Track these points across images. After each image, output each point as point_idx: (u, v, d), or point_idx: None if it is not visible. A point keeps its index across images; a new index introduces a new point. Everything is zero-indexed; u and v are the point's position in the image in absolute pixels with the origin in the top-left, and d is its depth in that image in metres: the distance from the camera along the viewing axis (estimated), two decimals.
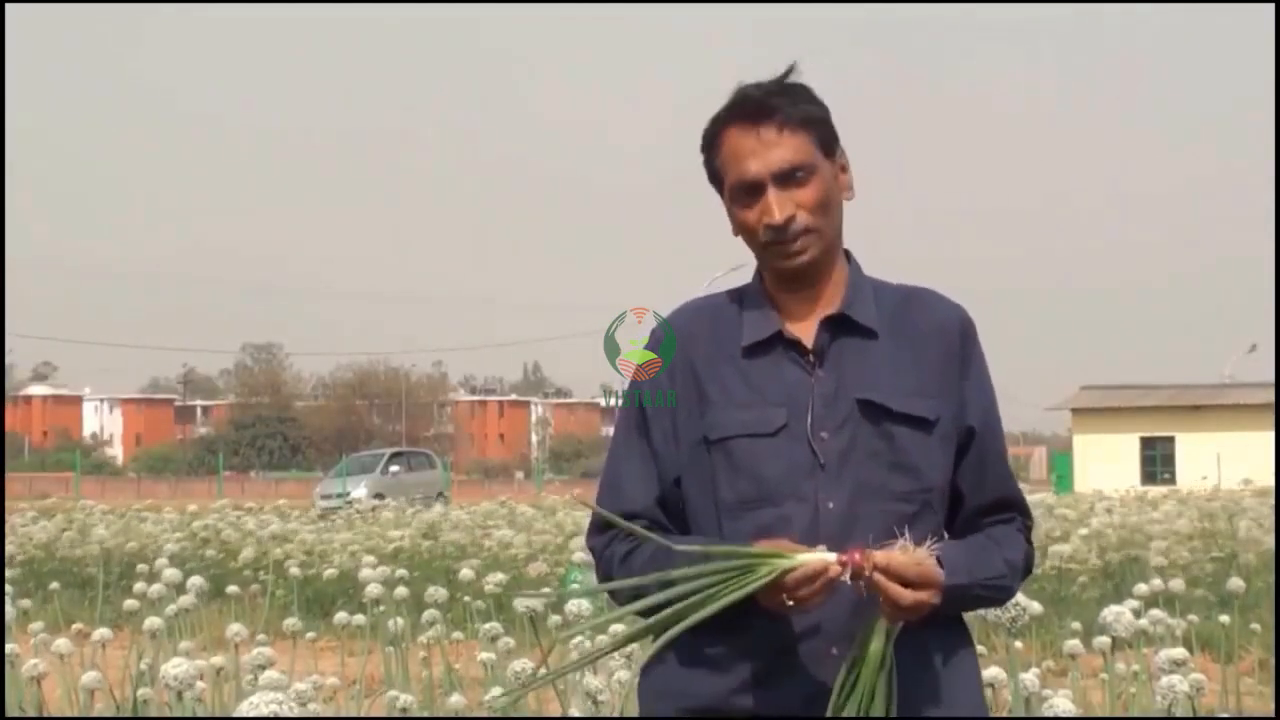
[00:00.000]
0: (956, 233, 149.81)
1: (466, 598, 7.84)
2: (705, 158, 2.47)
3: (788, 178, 2.38)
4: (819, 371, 2.40)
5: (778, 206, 2.38)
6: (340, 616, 6.95)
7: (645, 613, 2.27)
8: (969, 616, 2.56)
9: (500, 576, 7.18)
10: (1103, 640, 4.82)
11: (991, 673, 4.09)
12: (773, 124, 2.39)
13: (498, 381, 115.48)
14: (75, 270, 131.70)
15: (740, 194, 2.42)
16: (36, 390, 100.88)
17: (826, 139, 2.43)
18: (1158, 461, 47.45)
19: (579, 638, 5.18)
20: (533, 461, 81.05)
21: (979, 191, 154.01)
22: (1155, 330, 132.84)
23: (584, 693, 4.08)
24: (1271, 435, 33.86)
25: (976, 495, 2.45)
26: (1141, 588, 6.44)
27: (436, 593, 6.53)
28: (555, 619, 5.92)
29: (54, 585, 10.19)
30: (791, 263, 2.41)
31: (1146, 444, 47.81)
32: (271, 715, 2.68)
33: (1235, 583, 7.37)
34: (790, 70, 2.45)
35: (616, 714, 4.21)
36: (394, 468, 39.38)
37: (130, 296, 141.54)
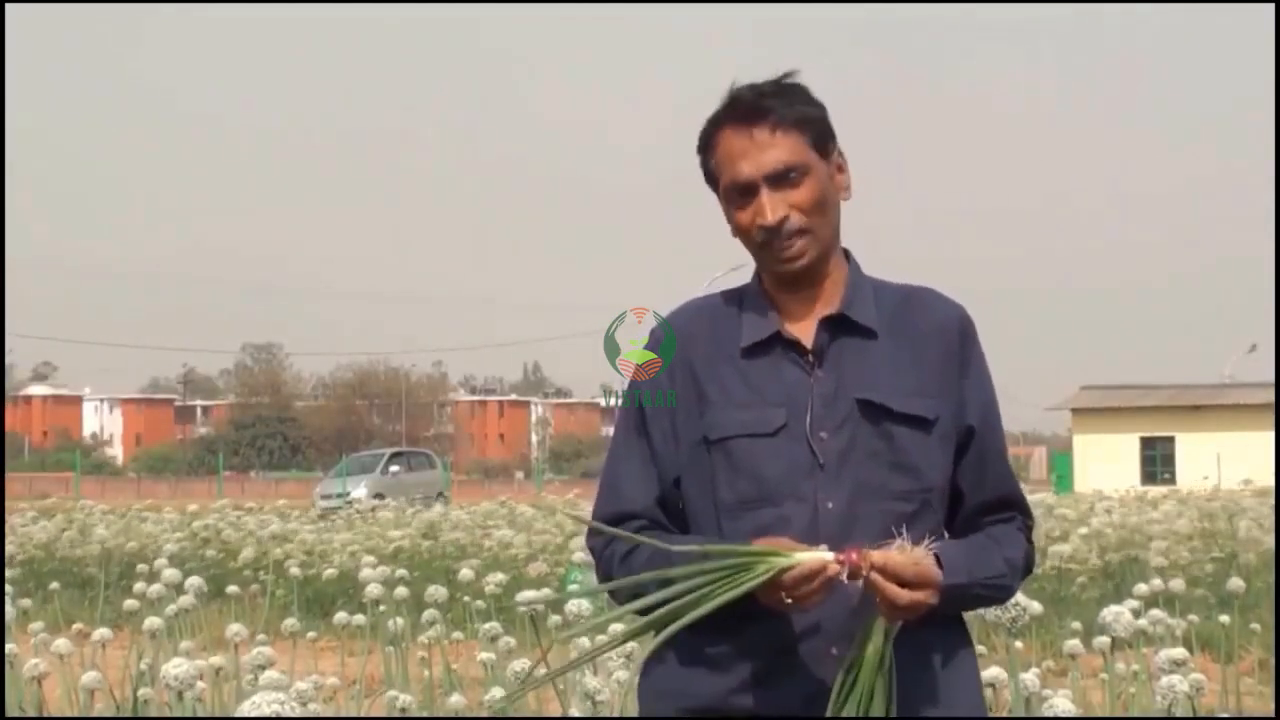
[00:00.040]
0: (956, 233, 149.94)
1: (466, 598, 7.83)
2: (701, 159, 2.47)
3: (781, 179, 2.38)
4: (818, 371, 2.40)
5: (770, 208, 2.38)
6: (340, 616, 6.95)
7: (644, 612, 2.27)
8: (969, 616, 2.56)
9: (500, 576, 7.18)
10: (1103, 640, 4.82)
11: (991, 673, 4.10)
12: (765, 125, 2.39)
13: (498, 381, 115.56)
14: (75, 270, 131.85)
15: (734, 195, 2.42)
16: (36, 390, 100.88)
17: (821, 139, 2.42)
18: (1158, 461, 47.45)
19: (579, 638, 5.19)
20: (533, 461, 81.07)
21: (979, 191, 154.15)
22: (1155, 330, 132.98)
23: (582, 693, 4.08)
24: (1271, 435, 33.86)
25: (976, 494, 2.45)
26: (1141, 588, 6.44)
27: (436, 593, 6.52)
28: (555, 619, 5.92)
29: (54, 585, 10.18)
30: (788, 267, 2.41)
31: (1146, 444, 47.82)
32: (272, 715, 2.68)
33: (1235, 583, 7.36)
34: (789, 74, 2.45)
35: (616, 714, 4.21)
36: (394, 468, 39.38)
37: (130, 296, 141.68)
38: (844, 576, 2.20)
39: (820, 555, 2.21)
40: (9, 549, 14.91)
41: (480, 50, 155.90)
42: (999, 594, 2.43)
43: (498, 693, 4.63)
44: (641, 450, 2.47)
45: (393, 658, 6.43)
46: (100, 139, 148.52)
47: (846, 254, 2.51)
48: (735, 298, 2.50)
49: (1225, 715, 6.08)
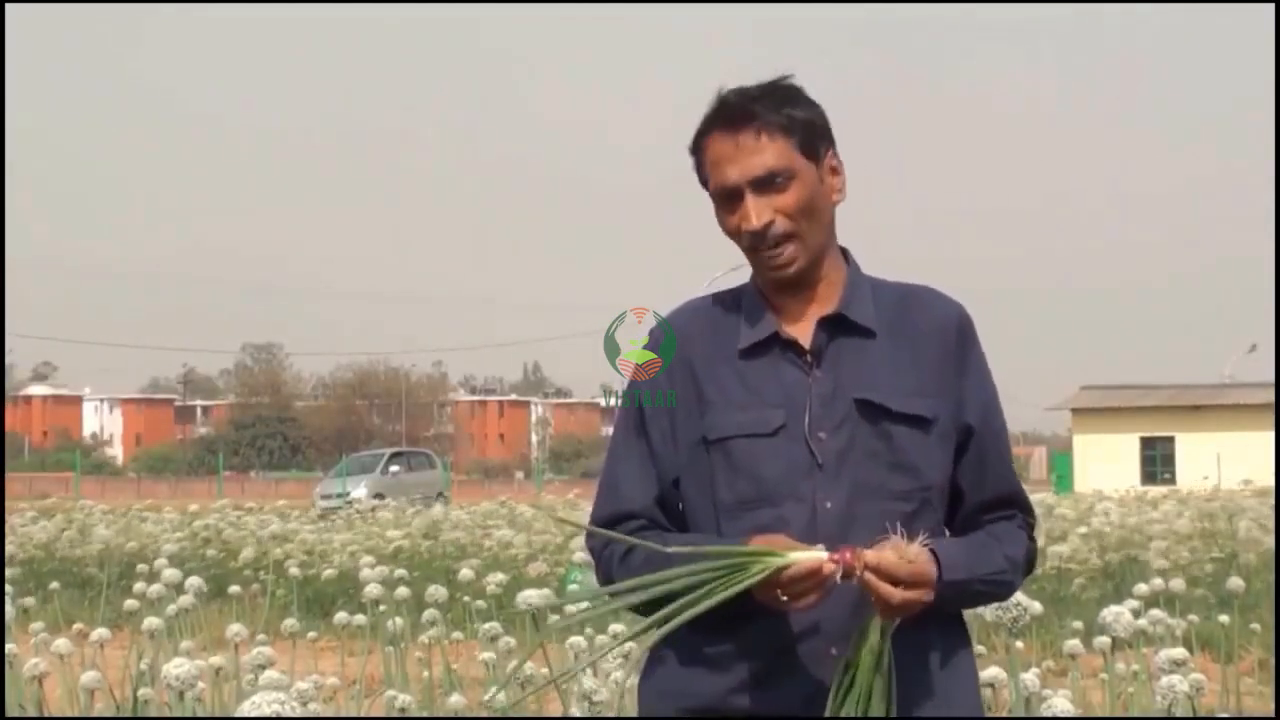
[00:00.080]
0: (956, 233, 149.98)
1: (466, 598, 7.83)
2: (694, 162, 2.47)
3: (766, 184, 2.38)
4: (816, 372, 2.40)
5: (755, 213, 2.38)
6: (340, 616, 6.95)
7: (643, 611, 2.27)
8: (969, 616, 2.56)
9: (500, 576, 7.19)
10: (1103, 640, 4.82)
11: (991, 673, 4.09)
12: (750, 130, 2.38)
13: (498, 381, 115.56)
14: (75, 270, 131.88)
15: (722, 200, 2.42)
16: (36, 390, 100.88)
17: (810, 142, 2.41)
18: (1158, 461, 47.45)
19: (574, 636, 5.19)
20: (533, 461, 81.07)
21: (979, 191, 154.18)
22: (1155, 330, 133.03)
23: (580, 693, 4.07)
24: (1271, 435, 33.87)
25: (976, 493, 2.45)
26: (1141, 588, 6.44)
27: (436, 593, 6.52)
28: (555, 619, 5.91)
29: (54, 585, 10.18)
30: (778, 273, 2.41)
31: (1146, 444, 47.82)
32: (272, 715, 2.68)
33: (1235, 583, 7.36)
34: (782, 76, 2.45)
35: (614, 714, 4.21)
36: (394, 468, 39.38)
37: (130, 296, 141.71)
38: (838, 577, 2.21)
39: (816, 555, 2.21)
40: (9, 549, 14.91)
41: (480, 50, 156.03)
42: (1000, 590, 2.43)
43: (500, 696, 4.63)
44: (640, 450, 2.46)
45: (392, 658, 6.43)
46: (100, 139, 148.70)
47: (845, 254, 2.51)
48: (734, 298, 2.50)
49: (1225, 715, 6.08)
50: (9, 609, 6.40)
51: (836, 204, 2.46)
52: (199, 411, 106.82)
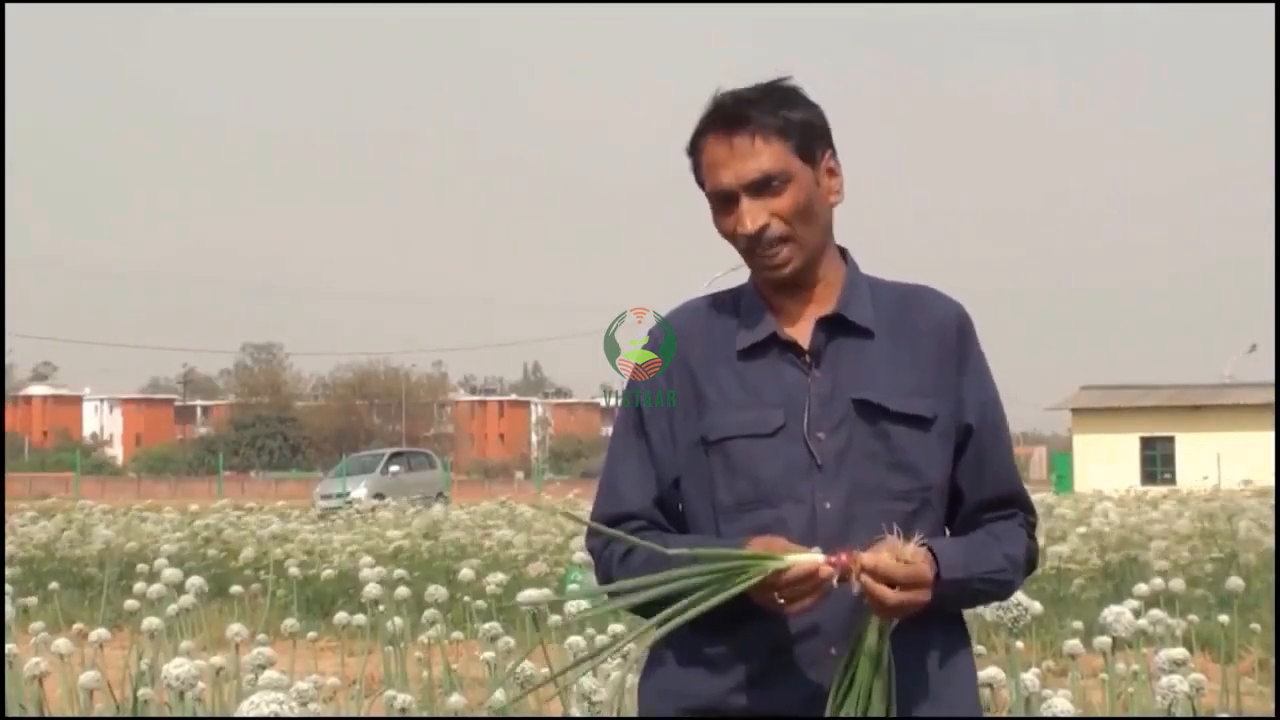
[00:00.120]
0: (956, 233, 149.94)
1: (466, 598, 7.83)
2: (691, 164, 2.47)
3: (761, 187, 2.38)
4: (815, 372, 2.40)
5: (749, 217, 2.38)
6: (340, 616, 6.95)
7: (641, 612, 2.27)
8: (969, 616, 2.56)
9: (500, 576, 7.18)
10: (1103, 640, 4.82)
11: (991, 673, 4.09)
12: (745, 133, 2.38)
13: (498, 381, 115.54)
14: (75, 270, 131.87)
15: (718, 203, 2.42)
16: (36, 390, 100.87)
17: (806, 144, 2.41)
18: (1158, 461, 47.46)
19: (573, 636, 5.19)
20: (533, 461, 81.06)
21: (979, 191, 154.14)
22: (1155, 330, 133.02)
23: (579, 693, 4.07)
24: (1271, 435, 33.85)
25: (976, 492, 2.45)
26: (1141, 588, 6.44)
27: (436, 593, 6.52)
28: (556, 619, 5.92)
29: (54, 585, 10.18)
30: (774, 274, 2.41)
31: (1146, 444, 47.82)
32: (272, 715, 2.68)
33: (1235, 583, 7.36)
34: (780, 78, 2.44)
35: (613, 714, 4.21)
36: (394, 468, 39.39)
37: (130, 296, 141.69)
38: (835, 580, 2.20)
39: (812, 558, 2.21)
40: (9, 549, 14.91)
41: (480, 50, 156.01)
42: (1000, 589, 2.43)
43: (499, 695, 4.63)
44: (640, 451, 2.46)
45: (392, 658, 6.43)
46: (100, 139, 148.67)
47: (844, 254, 2.51)
48: (733, 298, 2.50)
49: (1225, 715, 6.08)
50: (9, 609, 6.40)
51: (834, 205, 2.46)
52: (199, 411, 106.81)
